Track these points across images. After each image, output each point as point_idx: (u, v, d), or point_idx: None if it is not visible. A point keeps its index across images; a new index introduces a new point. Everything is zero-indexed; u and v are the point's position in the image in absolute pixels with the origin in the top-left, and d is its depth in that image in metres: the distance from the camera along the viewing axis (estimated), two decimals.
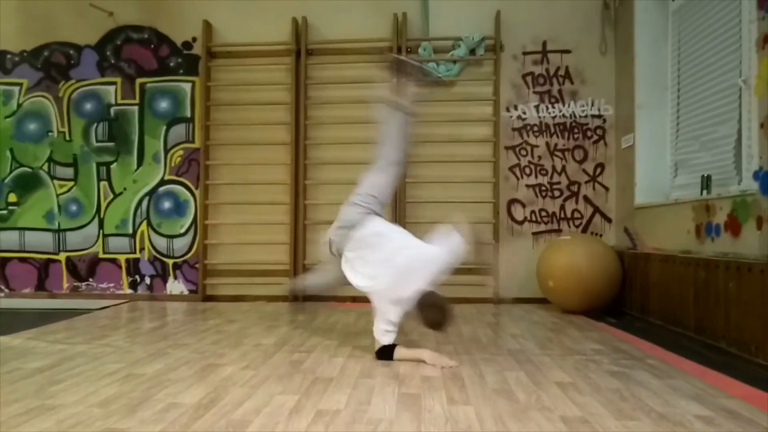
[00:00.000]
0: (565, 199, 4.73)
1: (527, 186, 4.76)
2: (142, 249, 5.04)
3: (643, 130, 4.16)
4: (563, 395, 2.10)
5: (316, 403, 2.01)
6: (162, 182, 5.03)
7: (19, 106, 5.15)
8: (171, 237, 5.03)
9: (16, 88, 5.16)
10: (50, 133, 5.12)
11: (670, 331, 3.38)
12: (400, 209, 4.71)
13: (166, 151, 5.03)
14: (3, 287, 5.15)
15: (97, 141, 5.09)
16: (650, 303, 3.74)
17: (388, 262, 2.66)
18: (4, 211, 5.16)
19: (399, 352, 2.64)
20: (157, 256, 5.03)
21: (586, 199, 4.72)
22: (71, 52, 5.12)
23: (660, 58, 4.13)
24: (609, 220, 4.68)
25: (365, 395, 2.10)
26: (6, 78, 5.17)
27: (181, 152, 5.02)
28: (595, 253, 4.03)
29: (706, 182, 3.39)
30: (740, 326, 2.70)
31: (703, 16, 3.61)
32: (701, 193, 3.40)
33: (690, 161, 3.79)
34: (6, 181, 5.15)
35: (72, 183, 5.10)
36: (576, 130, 4.73)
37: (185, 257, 5.01)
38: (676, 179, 3.99)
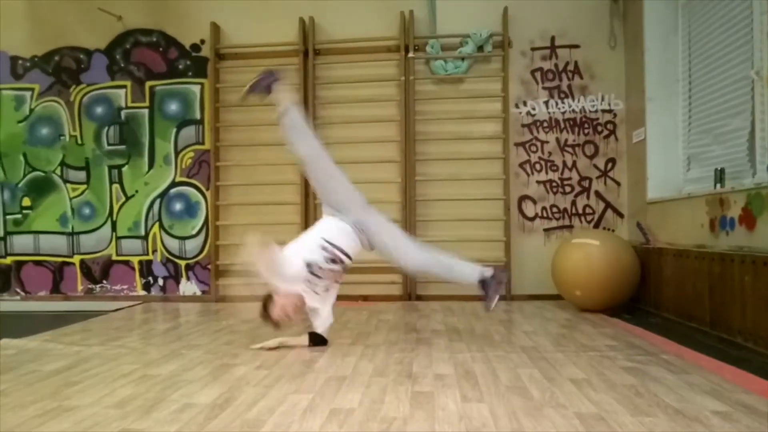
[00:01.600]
0: (576, 195, 4.71)
1: (538, 182, 4.74)
2: (154, 251, 5.08)
3: (655, 124, 4.13)
4: (578, 392, 2.09)
5: (330, 402, 2.01)
6: (173, 184, 5.07)
7: (31, 111, 5.21)
8: (183, 238, 5.06)
9: (28, 93, 5.22)
10: (62, 137, 5.17)
11: (685, 326, 3.35)
12: (409, 207, 4.70)
13: (177, 153, 5.06)
14: (19, 290, 5.21)
15: (109, 144, 5.13)
16: (664, 298, 3.71)
17: None
18: (19, 215, 5.21)
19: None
20: (170, 257, 5.06)
21: (597, 194, 4.69)
22: (81, 56, 5.16)
23: (670, 51, 4.09)
24: (621, 216, 4.64)
25: (378, 394, 2.10)
26: (18, 83, 5.22)
27: (191, 154, 5.05)
28: (623, 260, 3.86)
29: (720, 175, 3.35)
30: (757, 320, 2.67)
31: (713, 8, 3.57)
32: (714, 187, 3.36)
33: (703, 155, 3.75)
34: (20, 185, 5.21)
35: (84, 186, 5.15)
36: (586, 125, 4.70)
37: (197, 258, 5.04)
38: (689, 173, 3.95)
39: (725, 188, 3.20)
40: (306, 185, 4.82)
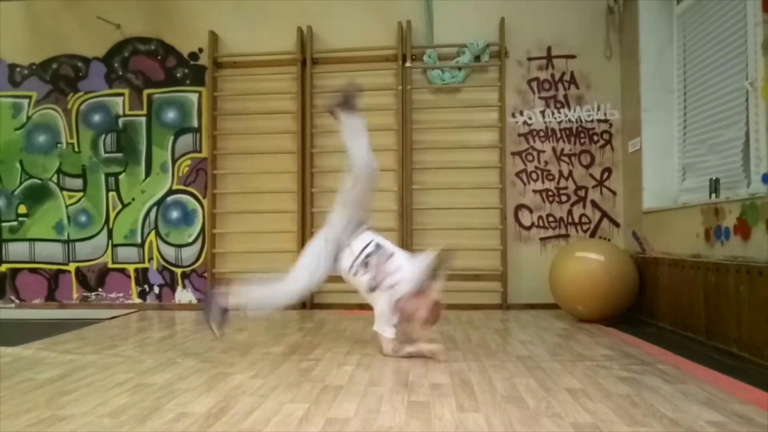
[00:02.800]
0: (572, 204, 4.72)
1: (534, 191, 4.75)
2: (150, 259, 5.07)
3: (650, 134, 4.15)
4: (574, 402, 2.09)
5: (326, 411, 2.01)
6: (170, 192, 5.07)
7: (28, 118, 5.21)
8: (179, 246, 5.05)
9: (26, 101, 5.22)
10: (59, 145, 5.17)
11: (680, 336, 3.35)
12: (406, 216, 4.71)
13: (174, 161, 5.06)
14: (14, 298, 5.18)
15: (106, 152, 5.13)
16: (660, 307, 3.72)
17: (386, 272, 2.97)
18: (15, 223, 5.20)
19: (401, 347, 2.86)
20: (166, 265, 5.05)
21: (593, 203, 4.70)
22: (79, 64, 5.17)
23: (665, 61, 4.12)
24: (617, 225, 4.66)
25: (374, 403, 2.09)
26: (15, 91, 5.23)
27: (188, 162, 5.05)
28: (626, 274, 3.85)
29: (715, 185, 3.37)
30: (752, 330, 2.68)
31: (708, 20, 3.60)
32: (710, 197, 3.38)
33: (698, 165, 3.77)
34: (16, 192, 5.20)
35: (81, 194, 5.14)
36: (582, 135, 4.72)
37: (193, 266, 5.03)
38: (684, 183, 3.97)
39: (720, 198, 3.22)
40: (303, 193, 4.83)
